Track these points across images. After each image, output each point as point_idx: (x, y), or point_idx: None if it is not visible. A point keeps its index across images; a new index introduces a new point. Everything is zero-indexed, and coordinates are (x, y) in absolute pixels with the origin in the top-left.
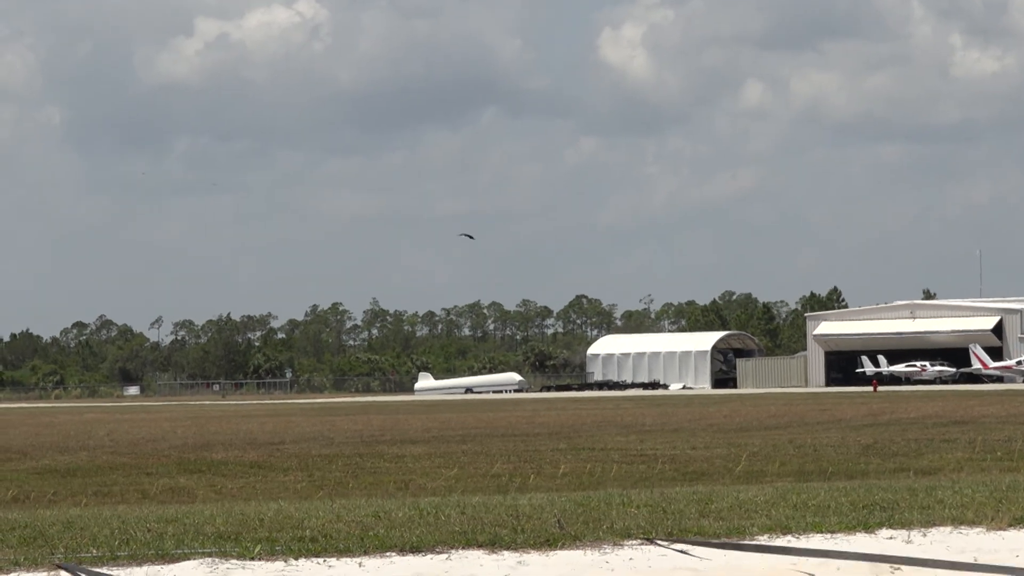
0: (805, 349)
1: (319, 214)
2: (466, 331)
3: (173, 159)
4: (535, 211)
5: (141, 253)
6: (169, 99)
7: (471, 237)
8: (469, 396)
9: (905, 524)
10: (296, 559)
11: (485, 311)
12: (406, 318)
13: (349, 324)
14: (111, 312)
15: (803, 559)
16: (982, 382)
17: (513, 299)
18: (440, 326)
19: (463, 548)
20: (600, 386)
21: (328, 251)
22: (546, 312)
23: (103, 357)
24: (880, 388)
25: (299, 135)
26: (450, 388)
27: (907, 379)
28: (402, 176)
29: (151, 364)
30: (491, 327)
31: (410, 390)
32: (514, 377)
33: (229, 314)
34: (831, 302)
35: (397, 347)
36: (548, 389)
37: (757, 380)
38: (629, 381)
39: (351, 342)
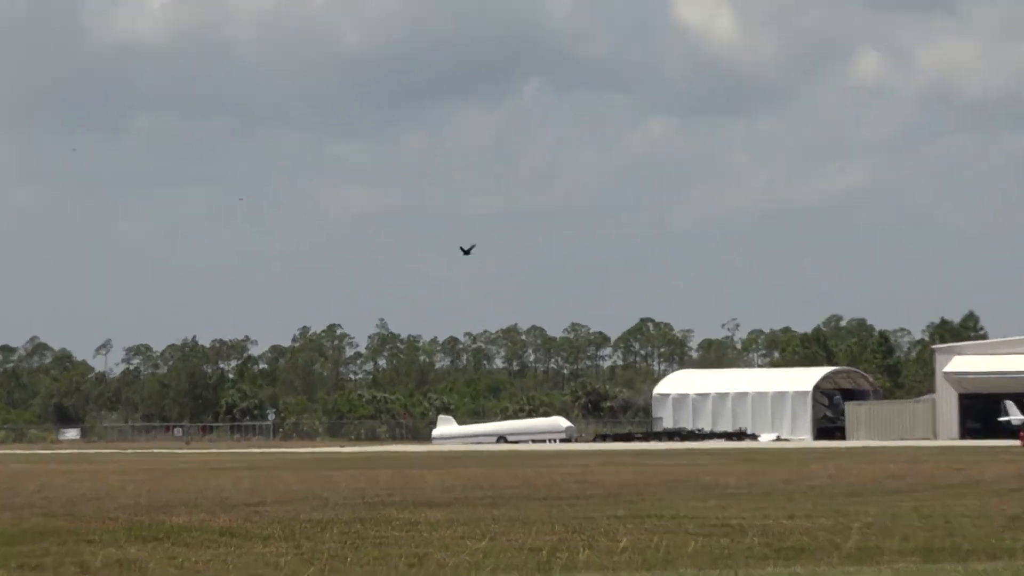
0: (933, 391)
1: (315, 212)
2: (499, 363)
3: (131, 140)
4: (589, 211)
5: (86, 259)
6: (127, 63)
7: (467, 252)
8: (502, 446)
9: None
10: None
11: (523, 338)
12: (422, 345)
13: (350, 352)
14: (45, 334)
15: None
16: None
17: (559, 323)
18: (466, 357)
19: None
20: (670, 436)
21: (324, 259)
22: (601, 340)
23: (34, 391)
24: None
25: (292, 112)
26: (478, 436)
27: None
28: (421, 165)
29: (95, 401)
30: (531, 358)
31: (427, 438)
32: (560, 423)
33: (195, 338)
34: (966, 331)
35: (410, 383)
36: (604, 439)
37: (872, 430)
38: (708, 430)
39: (352, 375)
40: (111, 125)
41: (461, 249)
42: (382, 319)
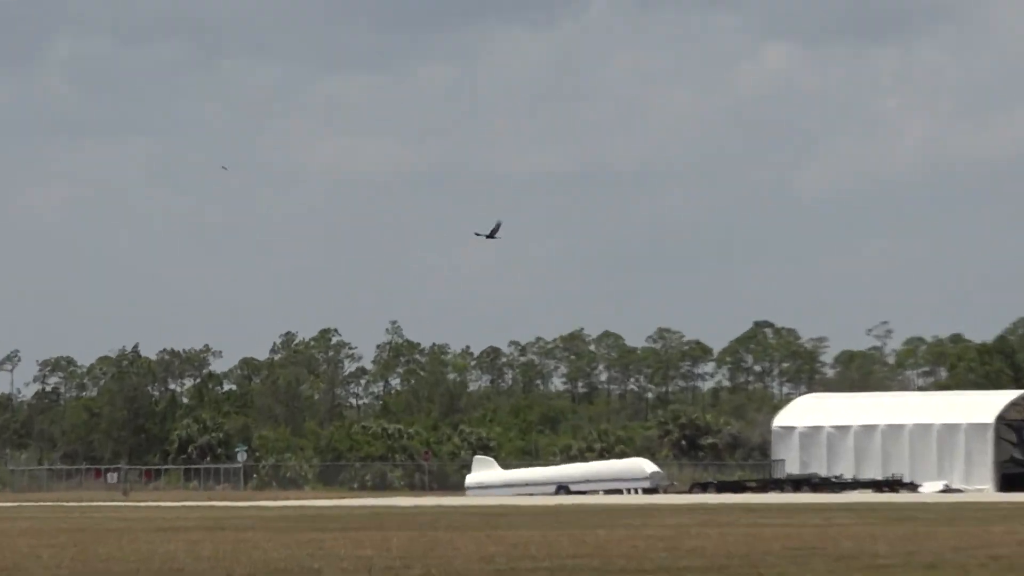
0: None
1: (300, 175)
2: (558, 384)
3: (48, 74)
4: (680, 173)
5: None
6: None
7: (491, 235)
8: (563, 499)
9: None
10: None
11: (592, 348)
12: (451, 359)
13: (350, 368)
14: None
15: None
16: None
17: (641, 328)
18: (511, 375)
19: None
20: (796, 484)
21: (314, 239)
22: (700, 352)
23: None
24: None
25: (271, 34)
26: (529, 484)
27: None
28: (451, 108)
29: (0, 435)
30: (602, 377)
31: (458, 487)
32: (643, 466)
33: (136, 348)
34: None
35: (435, 411)
36: (704, 488)
37: None
38: (848, 477)
39: (354, 400)
40: (22, 54)
41: (480, 235)
42: (394, 322)
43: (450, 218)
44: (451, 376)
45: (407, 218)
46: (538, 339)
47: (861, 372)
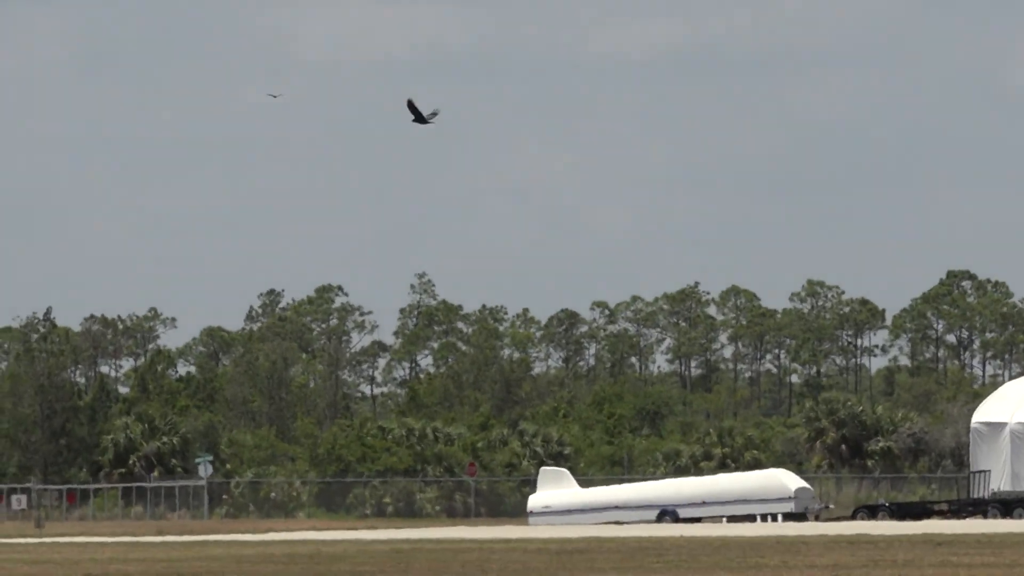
0: None
1: (289, 60)
2: (661, 363)
3: None
4: (839, 54)
5: None
6: None
7: (423, 119)
8: (668, 528)
9: None
10: None
11: (711, 312)
12: (507, 328)
13: (361, 342)
14: None
15: None
16: None
17: (783, 283)
18: (594, 350)
19: None
20: (1007, 506)
21: (308, 157)
22: (867, 316)
23: None
24: None
25: None
26: (619, 507)
27: None
28: None
29: None
30: (725, 353)
31: (517, 512)
32: (784, 482)
33: (50, 314)
34: None
35: (484, 402)
36: (872, 513)
37: None
38: None
39: (366, 387)
40: None
41: (413, 111)
42: (422, 276)
43: (502, 121)
44: (507, 353)
45: (439, 123)
46: (633, 299)
47: None
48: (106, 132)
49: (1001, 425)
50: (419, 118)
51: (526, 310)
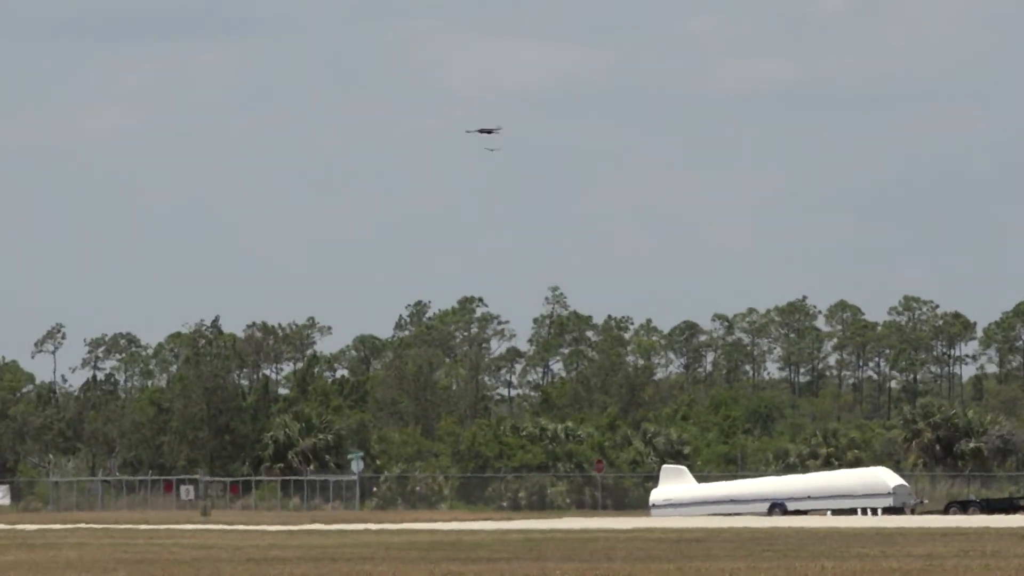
0: None
1: (437, 91)
2: (772, 370)
3: None
4: (941, 88)
5: (12, 175)
6: None
7: (487, 132)
8: (778, 520)
9: None
10: None
11: (818, 324)
12: (632, 337)
13: (499, 348)
14: None
15: None
16: None
17: (883, 297)
18: (711, 357)
19: None
20: None
21: (453, 178)
22: (960, 328)
23: None
24: None
25: None
26: (733, 501)
27: None
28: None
29: (37, 436)
30: (830, 361)
31: (640, 505)
32: (883, 479)
33: (217, 322)
34: None
35: (611, 405)
36: (964, 507)
37: None
38: None
39: (503, 390)
40: None
41: (475, 131)
42: (555, 289)
43: (631, 147)
44: (632, 360)
45: (573, 149)
46: (749, 311)
47: None
48: (271, 157)
49: None
50: (484, 131)
51: (649, 320)
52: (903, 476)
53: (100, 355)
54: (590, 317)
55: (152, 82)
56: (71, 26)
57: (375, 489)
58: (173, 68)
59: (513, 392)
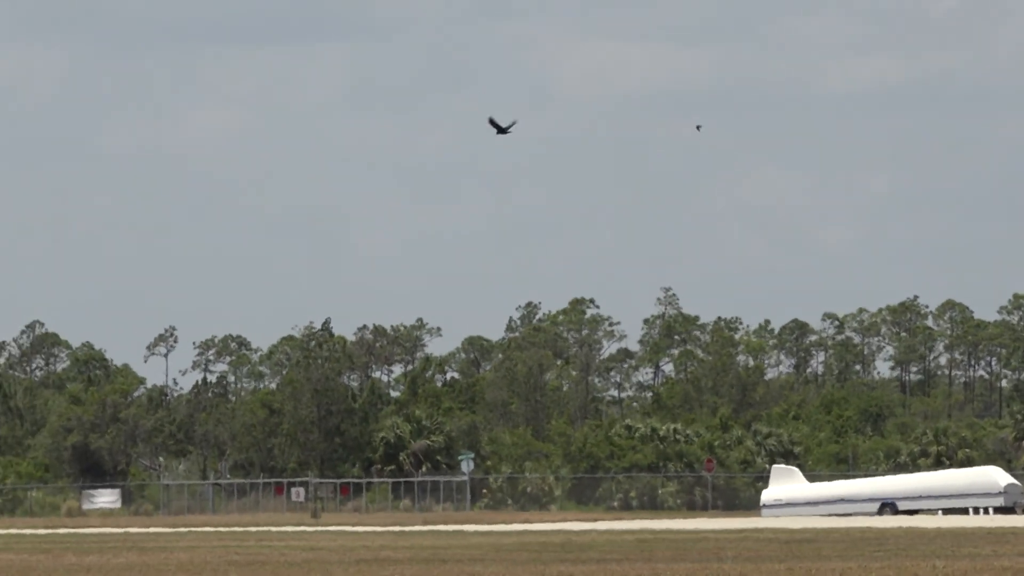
0: None
1: (546, 91)
2: (883, 369)
3: None
4: None
5: (121, 175)
6: None
7: (503, 130)
8: (888, 520)
9: None
10: None
11: (929, 323)
12: (743, 337)
13: (609, 349)
14: (52, 317)
15: None
16: None
17: (995, 296)
18: (822, 357)
19: None
20: None
21: (560, 178)
22: None
23: (36, 422)
24: None
25: None
26: (844, 500)
27: None
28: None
29: (148, 440)
30: (941, 360)
31: (750, 505)
32: (995, 478)
33: (328, 324)
34: None
35: (721, 406)
36: None
37: None
38: None
39: (614, 391)
40: None
41: (494, 125)
42: (667, 290)
43: (742, 147)
44: (743, 360)
45: (684, 150)
46: (860, 311)
47: None
48: (381, 158)
49: None
50: (500, 130)
51: (765, 321)
52: (1015, 475)
53: (211, 358)
54: (699, 318)
55: (263, 84)
56: (181, 29)
57: (485, 491)
58: (284, 70)
59: (623, 393)
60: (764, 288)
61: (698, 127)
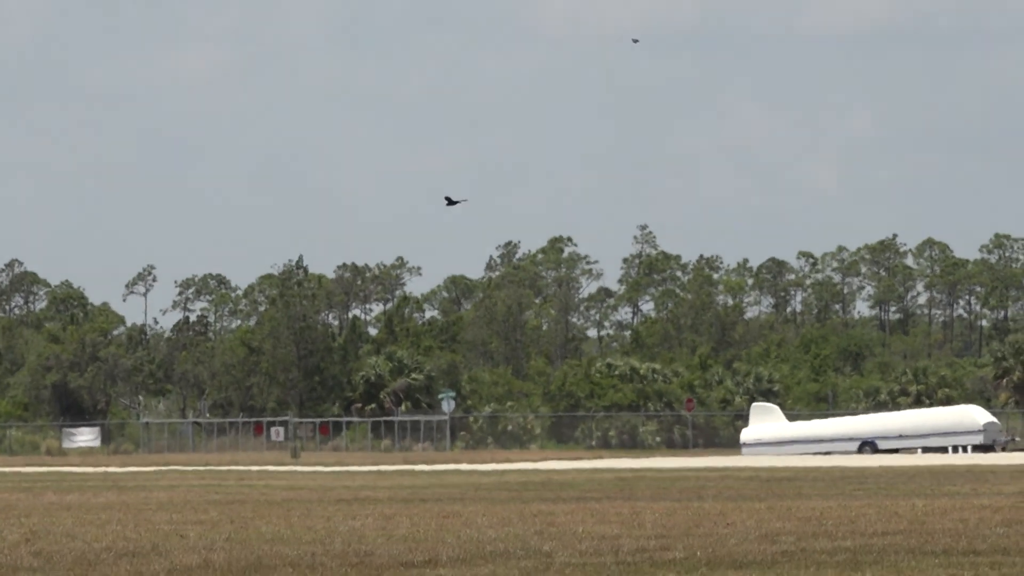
0: None
1: (527, 29)
2: (862, 308)
3: None
4: None
5: (100, 110)
6: None
7: (453, 203)
8: (867, 459)
9: None
10: None
11: (908, 262)
12: (722, 276)
13: (589, 288)
14: (31, 255)
15: None
16: None
17: (974, 235)
18: (801, 296)
19: None
20: None
21: (543, 116)
22: None
23: (16, 361)
24: None
25: None
26: (824, 440)
27: None
28: None
29: (128, 378)
30: (920, 299)
31: (729, 444)
32: (974, 417)
33: (302, 262)
34: None
35: (701, 345)
36: None
37: None
38: None
39: (593, 330)
40: None
41: (449, 201)
42: (644, 228)
43: (720, 86)
44: (722, 299)
45: (662, 88)
46: (839, 249)
47: None
48: (362, 97)
49: None
50: (451, 202)
51: (743, 260)
52: (994, 414)
53: (190, 296)
54: (679, 256)
55: (240, 22)
56: None
57: (464, 431)
58: (261, 9)
59: (602, 332)
60: (742, 227)
61: (634, 40)
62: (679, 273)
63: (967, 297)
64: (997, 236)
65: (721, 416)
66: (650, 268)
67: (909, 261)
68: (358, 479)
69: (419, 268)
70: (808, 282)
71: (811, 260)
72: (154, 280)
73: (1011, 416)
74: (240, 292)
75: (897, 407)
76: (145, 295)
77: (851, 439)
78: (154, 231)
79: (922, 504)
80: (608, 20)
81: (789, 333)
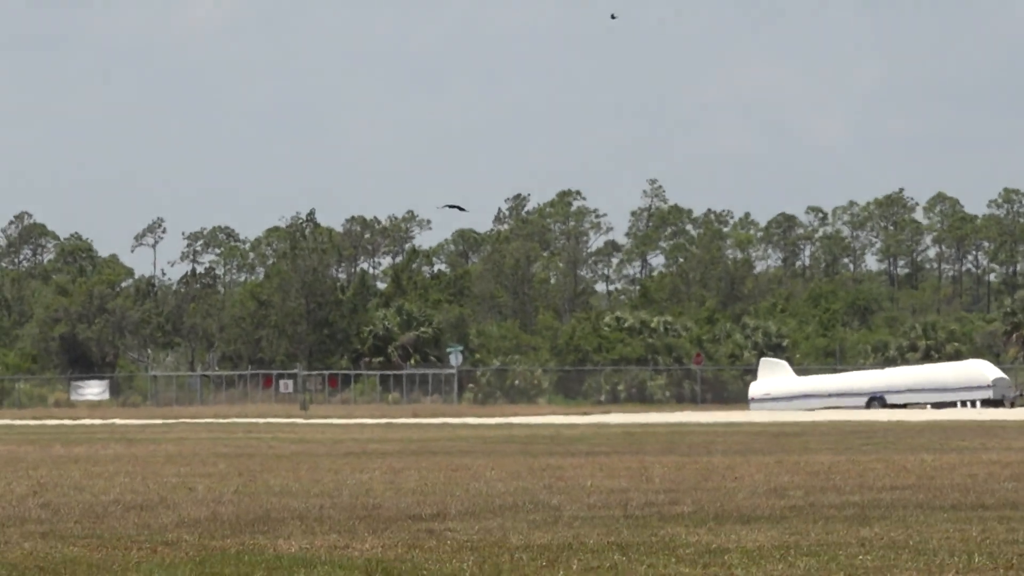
0: None
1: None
2: (871, 263)
3: None
4: None
5: (108, 64)
6: None
7: (460, 208)
8: (876, 413)
9: None
10: None
11: (917, 216)
12: (731, 230)
13: (597, 242)
14: (40, 207)
15: None
16: None
17: (984, 189)
18: (810, 251)
19: None
20: None
21: (547, 65)
22: None
23: (24, 313)
24: None
25: None
26: (832, 394)
27: None
28: None
29: (136, 331)
30: (930, 253)
31: (738, 399)
32: (983, 372)
33: (312, 215)
34: None
35: (710, 299)
36: None
37: None
38: None
39: (602, 284)
40: None
41: (455, 207)
42: (654, 182)
43: (730, 39)
44: (731, 253)
45: (673, 42)
46: (850, 204)
47: None
48: (371, 49)
49: None
50: (456, 207)
51: (747, 214)
52: (1003, 369)
53: (199, 249)
54: (689, 210)
55: None
56: None
57: (472, 384)
58: None
59: (611, 286)
60: (751, 181)
61: (612, 16)
62: (688, 227)
63: (976, 252)
64: (1006, 191)
65: (730, 371)
66: (662, 222)
67: (918, 215)
68: (366, 432)
69: (428, 221)
70: (817, 236)
71: (820, 214)
72: (163, 232)
73: (1020, 371)
74: (248, 245)
75: (906, 362)
76: (154, 247)
77: (860, 394)
78: (163, 183)
79: (931, 459)
80: None
81: (798, 287)
